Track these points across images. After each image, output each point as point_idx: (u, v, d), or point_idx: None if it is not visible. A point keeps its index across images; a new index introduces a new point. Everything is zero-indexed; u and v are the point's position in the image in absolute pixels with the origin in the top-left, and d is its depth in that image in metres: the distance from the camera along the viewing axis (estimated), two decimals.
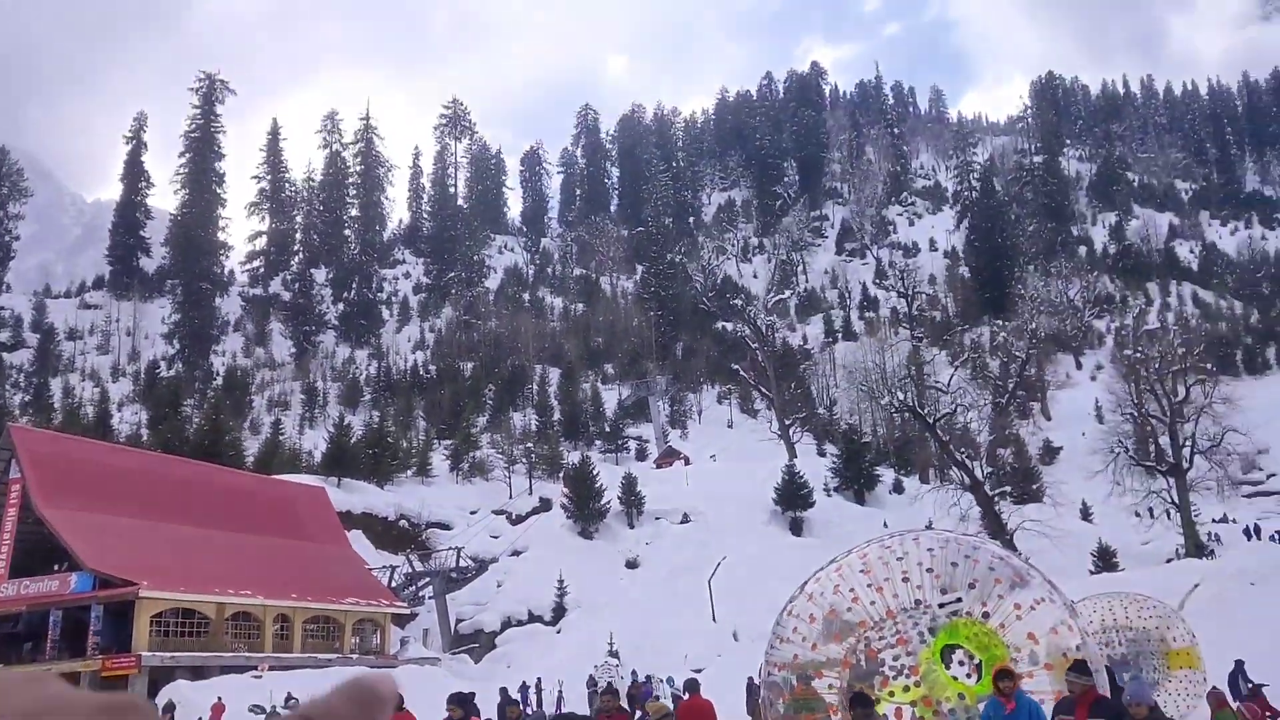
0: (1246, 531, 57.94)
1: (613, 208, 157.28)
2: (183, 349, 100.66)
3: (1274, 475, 73.60)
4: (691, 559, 51.68)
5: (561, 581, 49.40)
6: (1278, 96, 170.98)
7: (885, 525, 48.88)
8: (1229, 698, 17.66)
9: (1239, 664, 22.18)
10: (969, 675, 9.41)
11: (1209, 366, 63.93)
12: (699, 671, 36.66)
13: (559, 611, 49.16)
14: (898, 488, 68.84)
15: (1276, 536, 54.18)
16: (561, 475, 63.99)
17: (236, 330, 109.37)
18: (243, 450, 62.05)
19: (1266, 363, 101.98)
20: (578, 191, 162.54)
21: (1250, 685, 20.21)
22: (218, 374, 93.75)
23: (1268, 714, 17.24)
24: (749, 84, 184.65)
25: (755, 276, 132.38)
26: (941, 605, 9.61)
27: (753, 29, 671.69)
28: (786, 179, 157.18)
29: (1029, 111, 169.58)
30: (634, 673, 38.04)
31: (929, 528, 28.39)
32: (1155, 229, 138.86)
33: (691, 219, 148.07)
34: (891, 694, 9.26)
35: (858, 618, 9.77)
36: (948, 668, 9.46)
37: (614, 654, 41.24)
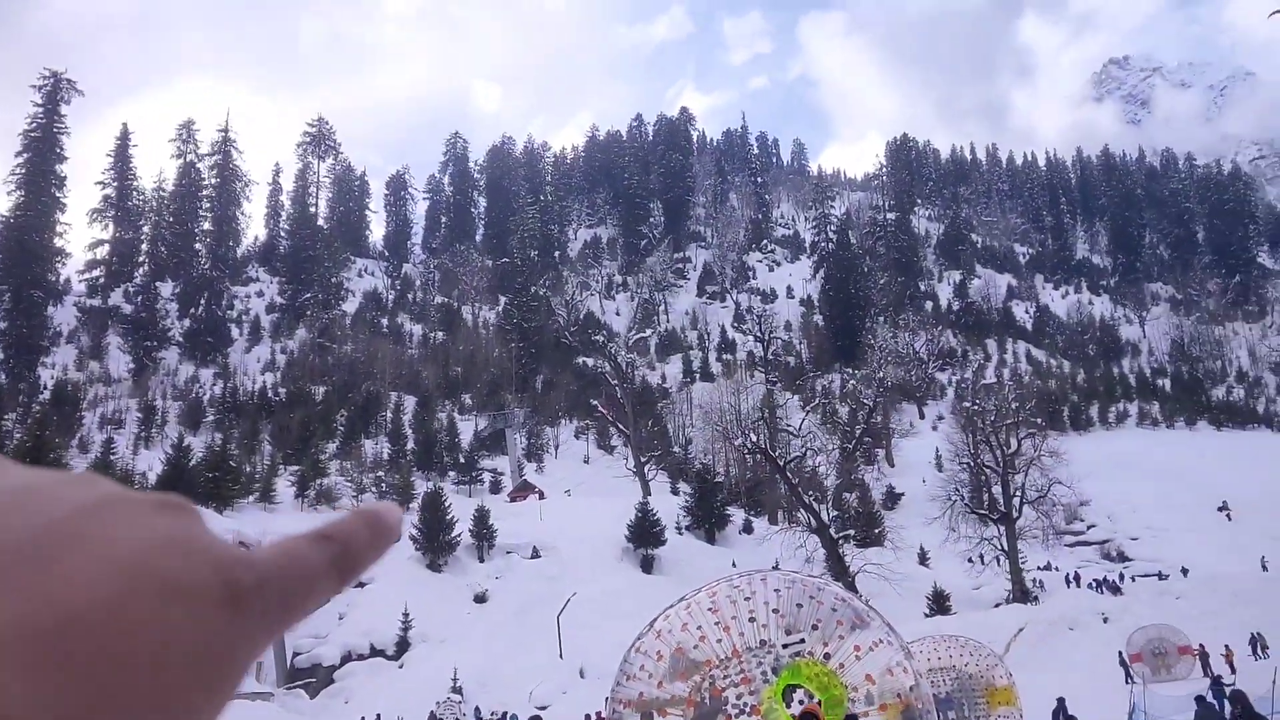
0: (1067, 579, 61.32)
1: (478, 237, 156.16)
2: (7, 359, 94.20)
3: (1094, 526, 78.24)
4: (541, 594, 51.24)
5: (407, 614, 48.14)
6: (1106, 172, 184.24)
7: (734, 565, 49.71)
8: None
9: (1061, 702, 23.46)
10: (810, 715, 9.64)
11: (1039, 421, 68.00)
12: (544, 709, 36.32)
13: (403, 645, 47.83)
14: (747, 528, 70.05)
15: (1094, 585, 57.55)
16: (419, 503, 62.55)
17: (70, 342, 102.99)
18: (70, 469, 58.29)
19: (1090, 420, 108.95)
20: (443, 219, 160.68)
21: None
22: (45, 387, 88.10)
23: None
24: (620, 124, 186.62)
25: (618, 314, 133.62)
26: (785, 645, 9.84)
27: (627, 70, 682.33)
28: (652, 219, 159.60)
29: (884, 170, 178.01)
30: (477, 709, 37.38)
31: (776, 568, 29.03)
32: (995, 289, 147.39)
33: (557, 253, 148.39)
34: None
35: (704, 656, 9.90)
36: (788, 707, 9.68)
37: (457, 690, 40.40)
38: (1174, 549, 70.67)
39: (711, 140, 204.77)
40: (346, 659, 47.13)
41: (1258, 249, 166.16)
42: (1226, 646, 34.54)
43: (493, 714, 36.37)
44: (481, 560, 56.80)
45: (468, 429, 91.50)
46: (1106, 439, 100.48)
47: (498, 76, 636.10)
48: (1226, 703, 17.08)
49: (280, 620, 0.39)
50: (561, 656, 44.94)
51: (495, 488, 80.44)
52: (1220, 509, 79.76)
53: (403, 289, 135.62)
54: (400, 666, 46.36)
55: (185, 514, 0.37)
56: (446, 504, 56.82)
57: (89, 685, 0.31)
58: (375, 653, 47.54)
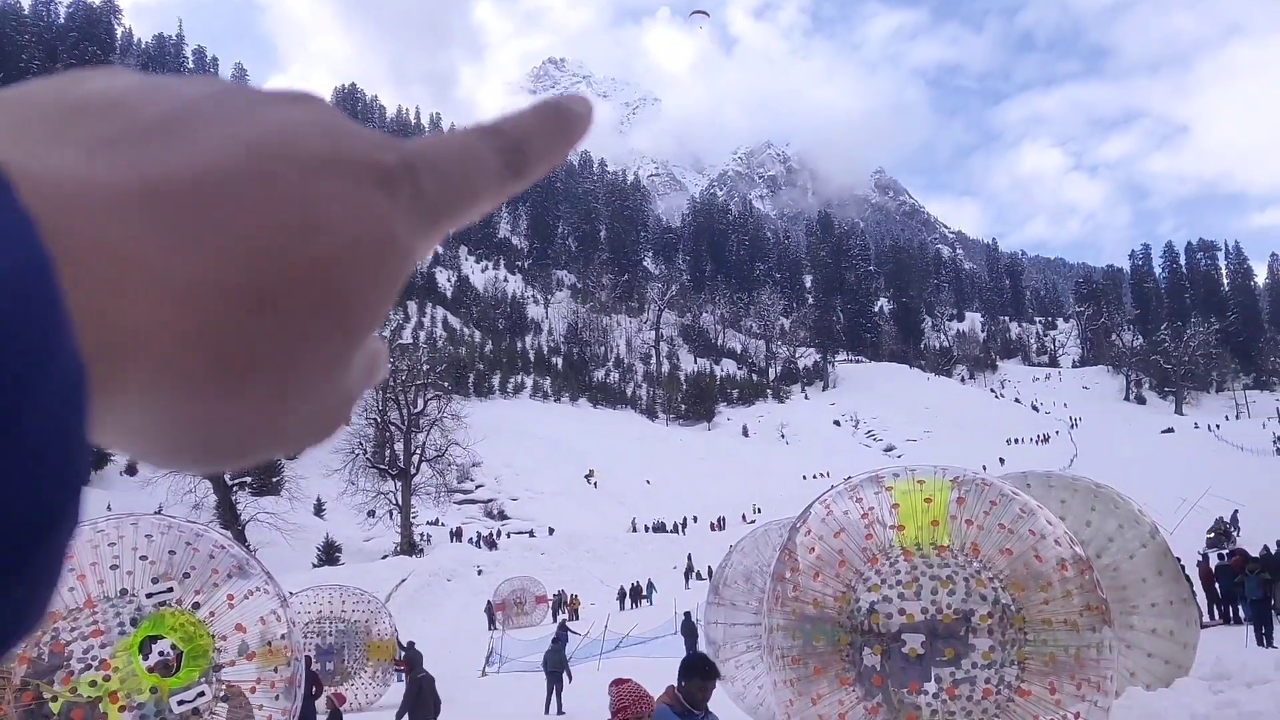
0: (451, 534, 65.51)
1: None
2: None
3: (481, 486, 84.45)
4: None
5: None
6: None
7: (110, 508, 45.27)
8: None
9: (410, 645, 25.19)
10: (168, 667, 9.11)
11: (446, 385, 71.55)
12: None
13: None
14: (131, 469, 64.23)
15: (474, 540, 62.18)
16: None
17: None
18: None
19: (492, 388, 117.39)
20: None
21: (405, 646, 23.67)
22: None
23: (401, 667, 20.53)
24: None
25: None
26: (150, 595, 9.18)
27: None
28: None
29: None
30: None
31: (159, 513, 26.89)
32: None
33: None
34: (74, 689, 8.55)
35: (52, 608, 8.85)
36: (145, 659, 9.05)
37: None
38: (547, 510, 79.05)
39: (140, 41, 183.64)
40: None
41: (645, 254, 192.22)
42: (574, 595, 39.49)
43: None
44: None
45: None
46: (504, 407, 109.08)
47: None
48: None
49: (439, 216, 0.34)
50: None
51: None
52: (587, 476, 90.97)
53: None
54: None
55: (321, 103, 0.34)
56: None
57: (240, 249, 0.27)
58: None
